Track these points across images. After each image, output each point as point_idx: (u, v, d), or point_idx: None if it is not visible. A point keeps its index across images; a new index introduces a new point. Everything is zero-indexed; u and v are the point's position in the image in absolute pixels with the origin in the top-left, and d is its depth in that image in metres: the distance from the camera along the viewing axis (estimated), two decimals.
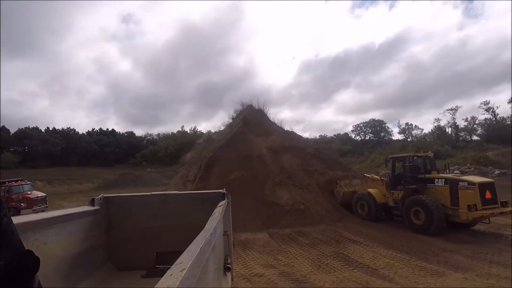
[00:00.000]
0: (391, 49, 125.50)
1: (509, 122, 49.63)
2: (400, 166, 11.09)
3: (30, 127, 63.17)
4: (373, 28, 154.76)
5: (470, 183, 9.00)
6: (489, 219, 9.05)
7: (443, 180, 9.69)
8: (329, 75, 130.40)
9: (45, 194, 18.36)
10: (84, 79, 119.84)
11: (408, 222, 9.90)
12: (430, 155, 10.96)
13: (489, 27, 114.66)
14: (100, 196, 3.86)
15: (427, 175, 10.21)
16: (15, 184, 17.55)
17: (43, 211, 16.17)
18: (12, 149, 57.05)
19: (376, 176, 12.75)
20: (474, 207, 8.64)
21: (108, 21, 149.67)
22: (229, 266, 3.38)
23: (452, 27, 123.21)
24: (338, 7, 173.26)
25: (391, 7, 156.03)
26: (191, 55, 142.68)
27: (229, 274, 3.39)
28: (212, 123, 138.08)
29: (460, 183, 9.21)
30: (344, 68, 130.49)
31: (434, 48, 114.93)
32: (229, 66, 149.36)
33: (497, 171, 26.22)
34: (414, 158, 10.76)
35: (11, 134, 59.72)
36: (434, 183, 9.86)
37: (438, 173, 10.38)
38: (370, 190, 11.66)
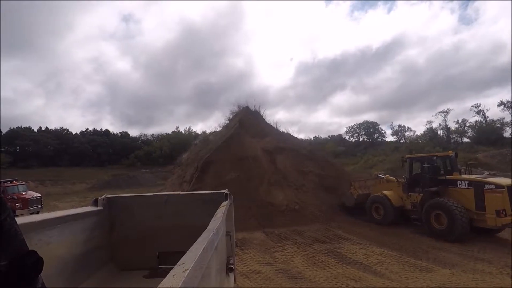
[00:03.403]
0: (387, 52, 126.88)
1: (499, 125, 50.86)
2: (418, 167, 10.33)
3: (22, 127, 62.53)
4: (371, 31, 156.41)
5: (498, 185, 8.23)
6: None
7: (466, 182, 8.91)
8: (326, 77, 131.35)
9: (40, 195, 18.27)
10: (80, 78, 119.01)
11: (428, 226, 9.20)
12: (451, 154, 10.08)
13: (481, 33, 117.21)
14: (103, 196, 3.85)
15: (448, 177, 9.46)
16: (10, 184, 17.48)
17: (38, 212, 16.14)
18: (3, 149, 56.14)
19: (391, 177, 11.73)
20: (503, 212, 7.93)
21: (107, 20, 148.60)
22: (232, 266, 3.37)
23: (447, 32, 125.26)
24: (338, 9, 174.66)
25: (389, 10, 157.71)
26: (188, 56, 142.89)
27: (231, 275, 3.38)
28: (207, 124, 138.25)
29: (486, 185, 8.42)
30: (340, 70, 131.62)
31: (429, 52, 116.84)
32: (227, 66, 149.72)
33: (486, 173, 26.85)
34: (434, 158, 10.00)
35: (2, 134, 58.81)
36: (457, 185, 9.09)
37: (460, 174, 9.69)
38: (385, 192, 10.92)
